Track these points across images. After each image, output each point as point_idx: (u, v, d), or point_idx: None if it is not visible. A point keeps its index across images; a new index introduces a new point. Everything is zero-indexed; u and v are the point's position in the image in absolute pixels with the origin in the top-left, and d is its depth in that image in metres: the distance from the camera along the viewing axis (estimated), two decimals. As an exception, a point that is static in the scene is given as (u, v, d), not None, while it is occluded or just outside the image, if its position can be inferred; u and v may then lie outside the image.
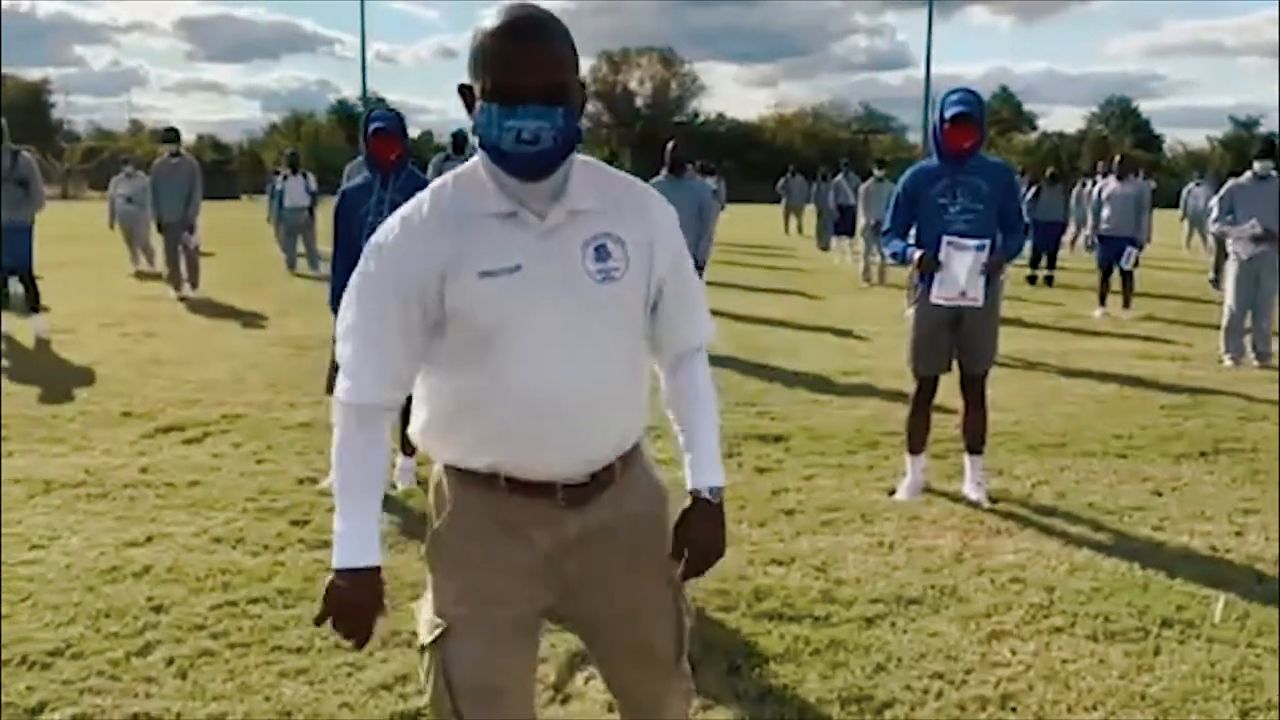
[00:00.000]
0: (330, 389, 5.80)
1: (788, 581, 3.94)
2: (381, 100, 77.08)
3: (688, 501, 1.95)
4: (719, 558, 1.97)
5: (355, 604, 1.79)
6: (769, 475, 5.25)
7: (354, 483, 1.80)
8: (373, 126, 4.93)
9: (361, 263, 1.77)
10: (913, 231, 4.95)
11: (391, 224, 1.76)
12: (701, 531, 1.93)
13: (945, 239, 4.74)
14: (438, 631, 1.84)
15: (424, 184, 5.06)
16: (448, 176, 1.80)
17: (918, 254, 4.82)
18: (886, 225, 5.08)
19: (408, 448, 5.19)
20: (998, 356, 8.66)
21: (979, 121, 4.75)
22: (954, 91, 4.83)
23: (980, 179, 4.78)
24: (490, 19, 1.65)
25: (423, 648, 1.88)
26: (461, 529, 1.85)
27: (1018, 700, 3.12)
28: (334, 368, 5.71)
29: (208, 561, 4.13)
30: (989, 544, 4.41)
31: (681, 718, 2.13)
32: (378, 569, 1.79)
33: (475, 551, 1.84)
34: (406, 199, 5.54)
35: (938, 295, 4.83)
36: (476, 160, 1.77)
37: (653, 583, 1.97)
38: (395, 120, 5.02)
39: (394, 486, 5.13)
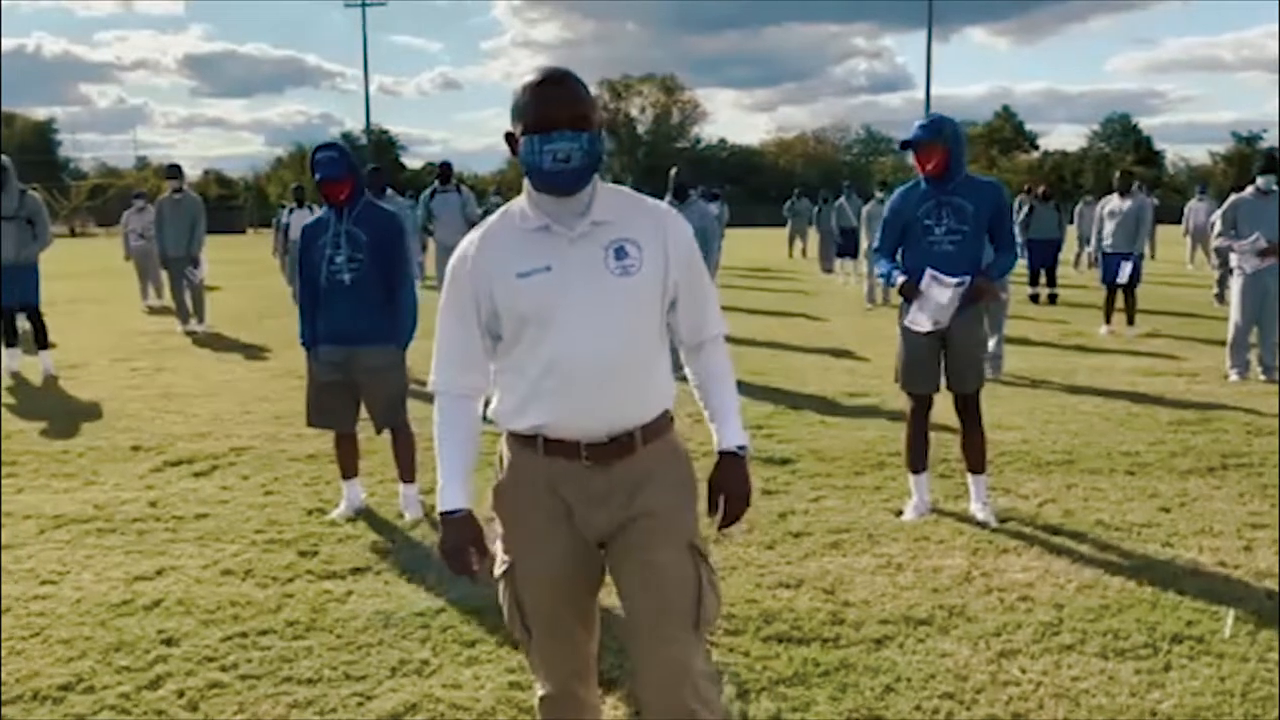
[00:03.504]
0: (309, 422, 5.83)
1: (796, 604, 3.94)
2: (385, 132, 77.73)
3: (717, 460, 2.35)
4: (748, 505, 2.37)
5: (454, 543, 2.26)
6: (776, 498, 5.25)
7: (446, 451, 2.28)
8: (317, 176, 4.82)
9: (445, 281, 2.26)
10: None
11: (459, 248, 2.24)
12: (732, 482, 2.34)
13: (929, 272, 4.79)
14: (504, 566, 2.32)
15: (382, 212, 5.11)
16: (504, 206, 2.26)
17: (900, 280, 4.91)
18: (876, 245, 5.16)
19: (408, 474, 5.20)
20: (1004, 374, 8.78)
21: (941, 143, 4.79)
22: (921, 119, 4.95)
23: (965, 200, 4.83)
24: (526, 76, 2.12)
25: (496, 579, 2.35)
26: (513, 483, 2.30)
27: (1028, 719, 3.11)
28: (308, 401, 5.75)
29: (217, 594, 4.15)
30: (997, 563, 4.40)
31: (709, 699, 2.23)
32: (468, 512, 2.26)
33: (523, 502, 2.28)
34: (363, 229, 5.61)
35: (911, 320, 4.91)
36: (522, 195, 2.22)
37: (672, 541, 2.25)
38: (337, 164, 4.83)
39: (401, 516, 5.14)
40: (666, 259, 2.21)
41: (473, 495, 2.29)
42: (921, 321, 4.87)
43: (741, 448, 2.35)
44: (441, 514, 2.26)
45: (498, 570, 2.33)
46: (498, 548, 2.33)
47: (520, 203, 2.22)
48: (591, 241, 2.16)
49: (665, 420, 2.30)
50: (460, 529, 2.25)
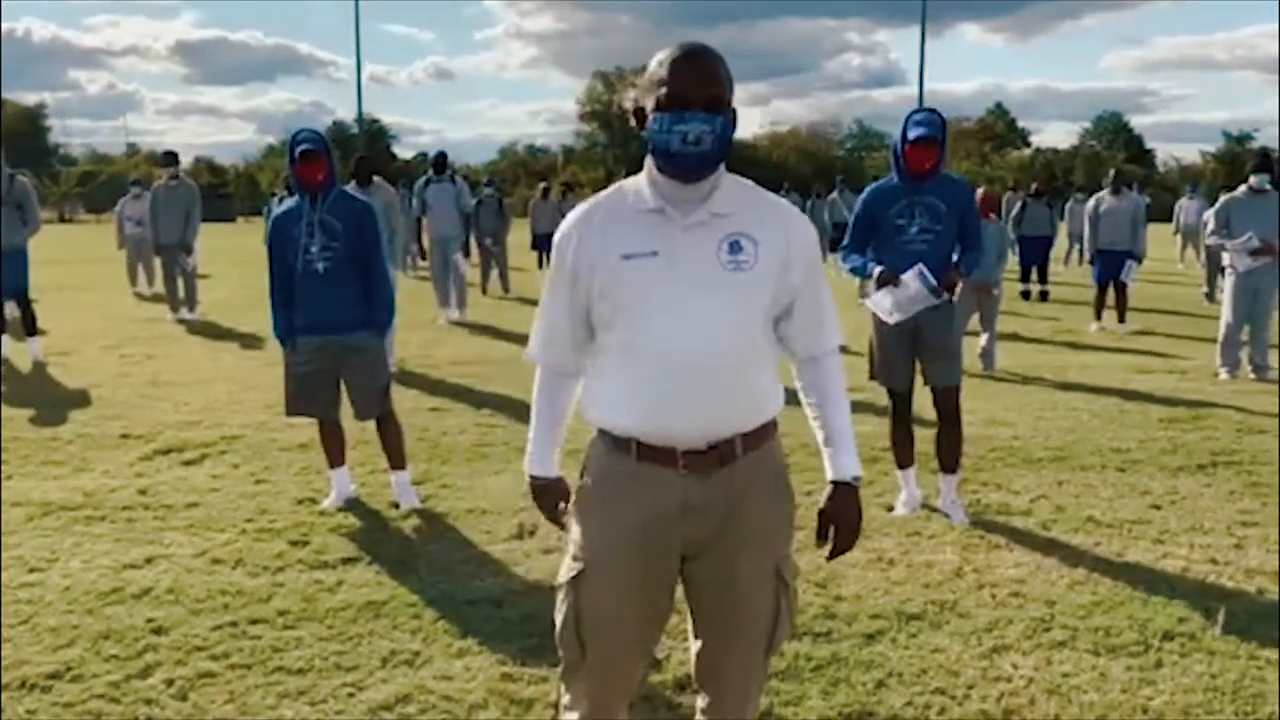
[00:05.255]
0: (288, 410, 5.83)
1: (788, 598, 3.94)
2: (376, 121, 77.48)
3: (829, 489, 2.23)
4: (857, 538, 2.25)
5: (542, 502, 2.31)
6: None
7: (540, 418, 2.28)
8: (299, 149, 4.87)
9: (553, 254, 2.18)
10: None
11: (565, 223, 2.14)
12: (844, 514, 2.22)
13: (919, 267, 4.72)
14: (573, 572, 2.16)
15: (356, 202, 5.13)
16: (619, 183, 2.15)
17: (877, 270, 4.84)
18: (846, 242, 5.10)
19: (398, 461, 5.18)
20: (996, 371, 8.79)
21: (941, 143, 4.75)
22: (916, 112, 4.85)
23: (938, 199, 4.78)
24: (664, 50, 2.02)
25: (560, 585, 2.20)
26: (599, 486, 2.17)
27: (1020, 715, 3.11)
28: (286, 390, 5.76)
29: (207, 583, 4.12)
30: (988, 559, 4.41)
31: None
32: (555, 478, 2.29)
33: (608, 509, 2.14)
34: (336, 219, 5.63)
35: (874, 300, 4.90)
36: (641, 173, 2.10)
37: (759, 568, 2.17)
38: (320, 142, 4.97)
39: (395, 505, 5.12)
40: (786, 261, 2.07)
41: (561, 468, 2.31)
42: (884, 305, 4.83)
43: (857, 478, 2.22)
44: (533, 478, 2.29)
45: (563, 575, 2.19)
46: (568, 553, 2.20)
47: (636, 181, 2.10)
48: (707, 232, 2.02)
49: (769, 429, 2.18)
50: (550, 491, 2.28)
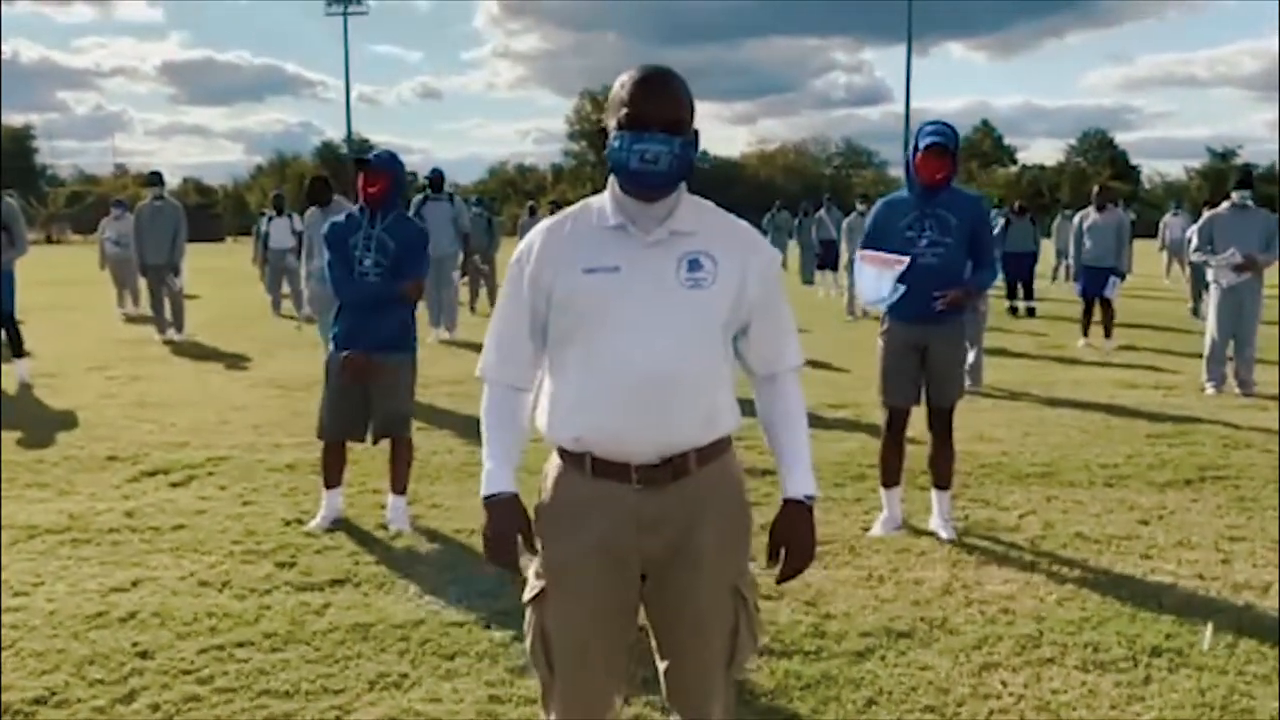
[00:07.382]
0: (319, 434, 5.77)
1: (777, 616, 3.93)
2: (365, 141, 77.62)
3: (781, 507, 2.22)
4: (811, 559, 2.23)
5: (499, 529, 2.15)
6: (757, 509, 5.15)
7: (494, 436, 2.20)
8: (364, 159, 5.01)
9: (509, 267, 2.18)
10: None
11: (525, 239, 2.17)
12: (797, 534, 2.21)
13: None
14: (535, 591, 2.18)
15: (413, 227, 5.13)
16: (586, 200, 2.19)
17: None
18: (857, 256, 5.08)
19: (400, 485, 5.17)
20: (983, 386, 8.82)
21: (953, 153, 4.73)
22: (930, 123, 4.82)
23: (949, 212, 4.74)
24: (627, 72, 2.07)
25: (524, 605, 2.22)
26: (556, 504, 2.18)
27: (1009, 732, 3.11)
28: (321, 413, 5.71)
29: (194, 605, 4.10)
30: (977, 575, 4.41)
31: None
32: (515, 496, 2.16)
33: (566, 524, 2.15)
34: (394, 239, 5.60)
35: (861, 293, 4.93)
36: (605, 192, 2.14)
37: (715, 583, 2.17)
38: (387, 160, 5.09)
39: (384, 527, 5.10)
40: (744, 280, 2.11)
41: (518, 485, 2.17)
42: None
43: (810, 496, 2.21)
44: (486, 498, 2.15)
45: (527, 595, 2.21)
46: (531, 571, 2.22)
47: (600, 200, 2.15)
48: (667, 249, 2.08)
49: (724, 444, 2.19)
50: (507, 513, 2.14)
